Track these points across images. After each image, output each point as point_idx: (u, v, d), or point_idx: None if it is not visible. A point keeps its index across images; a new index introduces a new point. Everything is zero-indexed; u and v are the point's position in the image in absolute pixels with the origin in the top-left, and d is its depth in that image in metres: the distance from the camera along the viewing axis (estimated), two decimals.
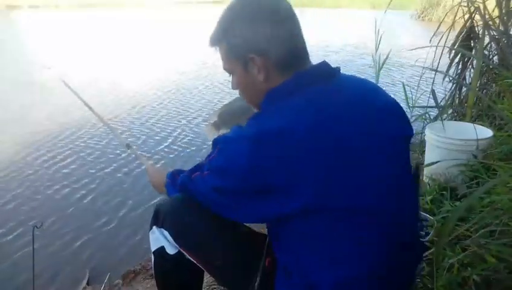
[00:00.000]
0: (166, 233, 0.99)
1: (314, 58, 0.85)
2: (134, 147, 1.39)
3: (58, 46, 9.43)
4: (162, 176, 1.08)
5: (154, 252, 1.05)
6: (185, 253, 0.98)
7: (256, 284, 0.89)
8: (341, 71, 0.85)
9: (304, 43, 0.84)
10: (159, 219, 1.01)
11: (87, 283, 2.09)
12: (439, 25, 2.55)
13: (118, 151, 3.62)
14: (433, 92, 2.13)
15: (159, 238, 1.01)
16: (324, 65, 0.83)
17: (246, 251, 0.95)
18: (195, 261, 0.98)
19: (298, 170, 0.70)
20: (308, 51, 0.84)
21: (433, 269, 1.27)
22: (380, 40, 2.81)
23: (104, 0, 20.68)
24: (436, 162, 1.99)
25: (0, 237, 2.48)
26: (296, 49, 0.82)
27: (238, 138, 0.76)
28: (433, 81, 2.21)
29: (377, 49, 2.83)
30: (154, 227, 1.02)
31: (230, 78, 0.90)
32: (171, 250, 1.00)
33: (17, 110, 4.83)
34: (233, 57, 0.84)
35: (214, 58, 0.91)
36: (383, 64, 2.84)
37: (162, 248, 1.01)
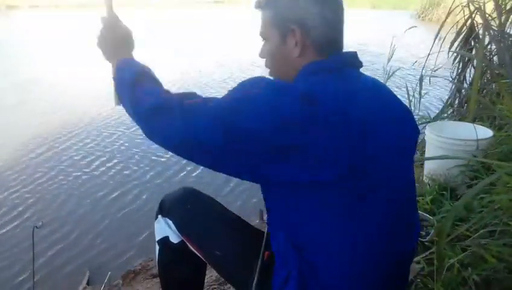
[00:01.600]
0: (170, 222, 1.02)
1: None
2: None
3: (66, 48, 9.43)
4: (122, 50, 0.95)
5: (158, 242, 1.08)
6: (187, 243, 1.01)
7: (255, 276, 0.90)
8: None
9: (343, 31, 0.85)
10: (164, 209, 1.05)
11: (87, 283, 2.09)
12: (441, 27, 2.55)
13: (125, 151, 3.63)
14: (420, 78, 2.16)
15: (164, 228, 1.04)
16: (355, 56, 0.85)
17: (245, 244, 0.97)
18: (196, 251, 1.00)
19: (338, 137, 0.70)
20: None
21: (434, 269, 1.27)
22: (393, 54, 2.84)
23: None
24: (437, 162, 1.99)
25: (1, 236, 2.48)
26: (336, 33, 0.83)
27: (286, 87, 0.74)
28: (424, 66, 2.24)
29: (388, 61, 2.87)
30: (159, 216, 1.06)
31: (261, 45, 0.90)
32: (174, 239, 1.03)
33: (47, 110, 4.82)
34: (274, 25, 0.84)
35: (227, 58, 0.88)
36: (391, 75, 2.87)
37: (166, 238, 1.04)
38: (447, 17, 2.49)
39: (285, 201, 0.78)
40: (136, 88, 0.83)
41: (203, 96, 0.79)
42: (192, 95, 0.78)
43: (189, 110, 0.74)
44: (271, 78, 0.83)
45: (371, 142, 0.73)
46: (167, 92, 0.82)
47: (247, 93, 0.73)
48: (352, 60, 0.84)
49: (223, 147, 0.71)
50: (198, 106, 0.74)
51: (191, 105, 0.75)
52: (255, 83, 0.75)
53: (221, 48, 9.24)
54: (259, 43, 0.90)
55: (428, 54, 2.04)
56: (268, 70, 0.90)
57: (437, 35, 2.42)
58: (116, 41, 0.95)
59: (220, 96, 0.76)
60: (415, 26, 2.83)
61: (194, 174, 3.21)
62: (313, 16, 0.80)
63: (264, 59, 0.89)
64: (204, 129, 0.71)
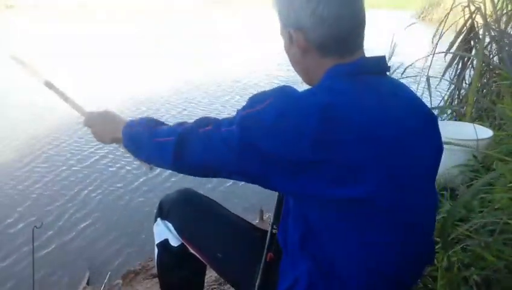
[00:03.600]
0: (170, 225, 1.01)
1: None
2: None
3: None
4: (117, 121, 0.97)
5: (157, 245, 1.06)
6: (188, 245, 0.99)
7: (257, 278, 0.89)
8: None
9: (356, 29, 0.78)
10: (163, 211, 1.03)
11: (87, 283, 2.09)
12: (439, 26, 2.55)
13: (114, 149, 3.63)
14: (428, 79, 2.17)
15: (163, 231, 1.03)
16: (381, 60, 0.80)
17: (247, 245, 0.96)
18: (197, 254, 0.99)
19: (367, 152, 0.68)
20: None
21: (434, 269, 1.27)
22: (393, 53, 2.85)
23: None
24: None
25: (1, 236, 2.48)
26: (344, 32, 0.76)
27: (304, 99, 0.70)
28: (430, 67, 2.21)
29: (389, 60, 2.87)
30: (158, 219, 1.04)
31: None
32: (174, 242, 1.02)
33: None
34: (281, 25, 0.82)
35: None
36: (392, 73, 2.88)
37: (166, 241, 1.03)
38: (445, 18, 2.49)
39: (305, 212, 0.76)
40: (153, 137, 0.85)
41: (214, 119, 0.79)
42: (204, 122, 0.78)
43: (204, 139, 0.76)
44: (286, 88, 0.76)
45: (394, 158, 0.71)
46: (180, 123, 0.84)
47: (258, 110, 0.71)
48: (376, 65, 0.79)
49: (238, 165, 0.73)
50: (210, 133, 0.75)
51: (205, 133, 0.76)
52: (269, 96, 0.72)
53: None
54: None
55: (433, 54, 2.05)
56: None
57: (440, 37, 2.42)
58: (107, 124, 0.99)
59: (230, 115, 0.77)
60: (415, 23, 2.84)
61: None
62: (307, 17, 0.74)
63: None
64: (221, 155, 0.74)
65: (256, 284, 0.89)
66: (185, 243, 1.00)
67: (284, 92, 0.73)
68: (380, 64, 0.79)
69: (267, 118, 0.68)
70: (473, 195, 1.29)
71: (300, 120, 0.67)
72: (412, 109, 0.79)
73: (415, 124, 0.77)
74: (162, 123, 0.90)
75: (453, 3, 2.67)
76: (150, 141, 0.85)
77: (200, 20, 14.15)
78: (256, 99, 0.74)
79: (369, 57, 0.79)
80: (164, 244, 1.04)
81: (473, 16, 2.62)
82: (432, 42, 2.57)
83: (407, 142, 0.74)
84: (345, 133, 0.67)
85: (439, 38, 2.61)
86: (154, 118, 0.93)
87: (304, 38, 0.77)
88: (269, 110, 0.69)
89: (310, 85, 0.81)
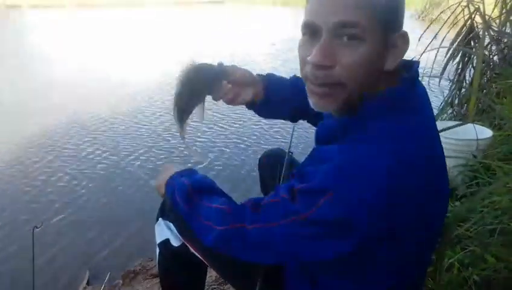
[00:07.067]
0: (171, 225, 1.00)
1: None
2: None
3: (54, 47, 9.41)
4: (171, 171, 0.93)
5: (159, 245, 1.06)
6: (189, 246, 0.99)
7: (258, 282, 0.89)
8: None
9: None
10: (165, 211, 1.03)
11: (87, 283, 2.09)
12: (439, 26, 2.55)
13: (115, 151, 3.62)
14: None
15: (165, 231, 1.02)
16: (417, 72, 0.69)
17: None
18: (197, 254, 0.98)
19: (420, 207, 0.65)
20: None
21: (433, 269, 1.27)
22: None
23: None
24: None
25: (1, 236, 2.47)
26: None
27: (366, 172, 0.58)
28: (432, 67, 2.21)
29: None
30: (160, 219, 1.04)
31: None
32: (175, 242, 1.01)
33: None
34: (378, 20, 0.61)
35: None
36: None
37: (167, 241, 1.02)
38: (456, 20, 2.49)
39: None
40: (195, 216, 0.82)
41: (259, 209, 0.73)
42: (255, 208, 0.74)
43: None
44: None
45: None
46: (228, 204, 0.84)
47: (319, 205, 0.60)
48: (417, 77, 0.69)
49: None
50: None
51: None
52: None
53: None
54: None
55: (435, 58, 2.05)
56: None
57: (443, 39, 2.42)
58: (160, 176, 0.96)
59: None
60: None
61: None
62: (402, 17, 0.64)
63: (326, 64, 0.62)
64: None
65: (257, 288, 0.89)
66: (186, 243, 0.99)
67: (346, 186, 0.59)
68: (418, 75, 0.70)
69: (328, 216, 0.60)
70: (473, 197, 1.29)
71: (367, 197, 0.58)
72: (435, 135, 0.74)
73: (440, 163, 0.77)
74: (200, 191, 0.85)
75: (451, 5, 2.67)
76: (191, 217, 0.82)
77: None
78: (316, 183, 0.61)
79: (409, 78, 0.67)
80: (165, 244, 1.03)
81: (472, 16, 2.62)
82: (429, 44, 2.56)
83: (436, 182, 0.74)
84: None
85: (440, 38, 2.61)
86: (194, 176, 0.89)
87: (405, 44, 0.65)
88: (329, 211, 0.59)
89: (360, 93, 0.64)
